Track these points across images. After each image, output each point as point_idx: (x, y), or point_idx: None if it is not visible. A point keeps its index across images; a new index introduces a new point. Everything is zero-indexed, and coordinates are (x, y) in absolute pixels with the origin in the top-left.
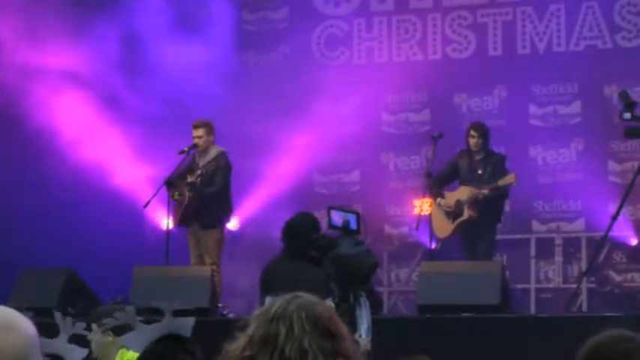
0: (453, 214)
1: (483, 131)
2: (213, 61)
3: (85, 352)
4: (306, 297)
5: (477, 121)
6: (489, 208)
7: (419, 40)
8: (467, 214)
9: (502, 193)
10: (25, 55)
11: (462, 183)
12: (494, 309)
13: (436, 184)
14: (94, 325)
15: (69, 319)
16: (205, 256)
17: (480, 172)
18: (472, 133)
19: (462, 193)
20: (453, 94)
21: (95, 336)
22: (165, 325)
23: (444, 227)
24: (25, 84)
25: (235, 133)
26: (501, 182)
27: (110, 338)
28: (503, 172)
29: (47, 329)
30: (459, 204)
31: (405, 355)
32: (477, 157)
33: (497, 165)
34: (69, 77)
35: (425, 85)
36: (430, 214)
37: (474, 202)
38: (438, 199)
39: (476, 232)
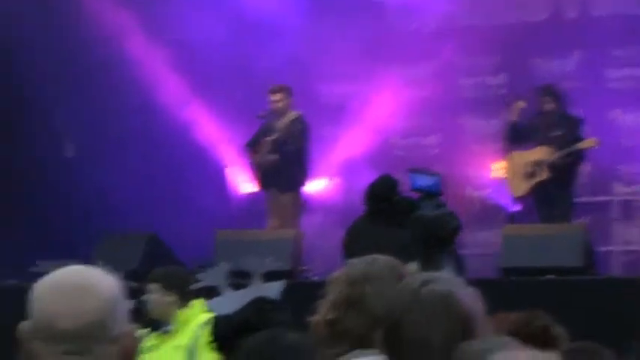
0: (530, 173)
1: (557, 94)
2: (289, 25)
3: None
4: (385, 258)
5: (548, 84)
6: (565, 170)
7: (493, 4)
8: (543, 175)
9: (578, 157)
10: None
11: (538, 144)
12: (578, 271)
13: (511, 143)
14: (152, 286)
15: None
16: (284, 219)
17: (556, 133)
18: (545, 97)
19: (539, 153)
20: (529, 57)
21: (154, 295)
22: (254, 289)
23: (519, 187)
24: (117, 43)
25: (314, 97)
26: (581, 145)
27: (171, 298)
28: (579, 135)
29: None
30: (535, 164)
31: (521, 313)
32: (553, 119)
33: (573, 127)
34: (157, 38)
35: (501, 48)
36: (506, 173)
37: (550, 164)
38: (514, 159)
39: (551, 195)
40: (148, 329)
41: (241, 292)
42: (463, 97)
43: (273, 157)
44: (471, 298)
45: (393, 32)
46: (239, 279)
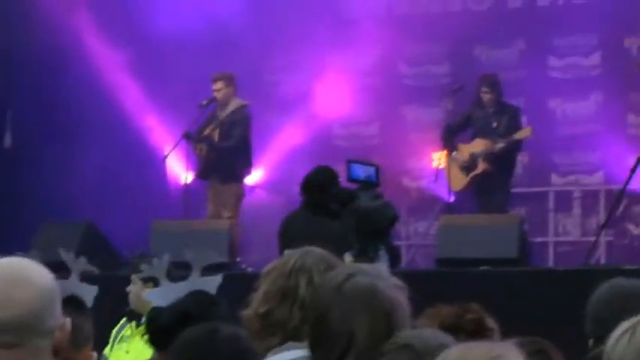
0: (468, 167)
1: (494, 85)
2: (231, 13)
3: (95, 289)
4: (320, 250)
5: (486, 75)
6: (503, 161)
7: None
8: (481, 167)
9: (516, 147)
10: None
11: (477, 136)
12: (513, 262)
13: (448, 135)
14: (133, 277)
15: (81, 258)
16: (223, 209)
17: (494, 124)
18: (483, 89)
19: (477, 146)
20: (472, 46)
21: (134, 287)
22: (192, 282)
23: (459, 180)
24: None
25: (255, 86)
26: (517, 135)
27: (150, 290)
28: (518, 125)
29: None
30: (473, 157)
31: (457, 305)
32: (491, 110)
33: (512, 117)
34: (92, 25)
35: (444, 37)
36: (445, 167)
37: (488, 156)
38: (454, 153)
39: (490, 186)
40: (127, 319)
41: (181, 284)
42: (405, 86)
43: (215, 147)
44: (395, 291)
45: (335, 19)
46: (179, 271)
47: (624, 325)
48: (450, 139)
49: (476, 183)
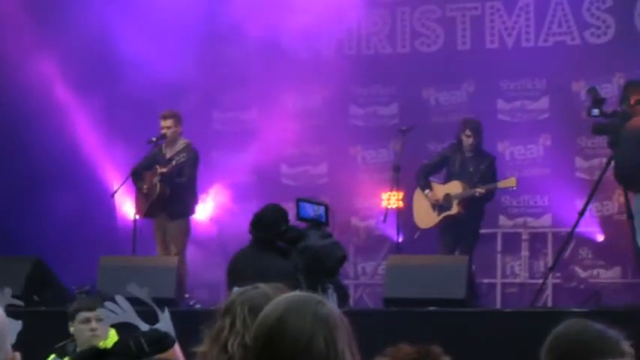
0: (440, 206)
1: (476, 130)
2: (181, 50)
3: (19, 324)
4: (262, 289)
5: (469, 119)
6: (476, 206)
7: (388, 34)
8: (455, 209)
9: (491, 194)
10: None
11: (452, 177)
12: (460, 303)
13: (423, 173)
14: (99, 312)
15: (7, 290)
16: (171, 244)
17: (471, 169)
18: (467, 132)
19: (453, 187)
20: (421, 87)
21: (102, 324)
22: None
23: (428, 218)
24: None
25: (202, 124)
26: (501, 184)
27: (113, 331)
28: (493, 175)
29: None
30: (448, 198)
31: (416, 346)
32: (469, 155)
33: (489, 167)
34: (38, 62)
35: (393, 78)
36: (410, 203)
37: (465, 199)
38: (426, 191)
39: (459, 229)
40: (56, 356)
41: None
42: (354, 126)
43: (162, 185)
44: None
45: (285, 59)
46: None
47: None
48: (425, 178)
49: (445, 224)
